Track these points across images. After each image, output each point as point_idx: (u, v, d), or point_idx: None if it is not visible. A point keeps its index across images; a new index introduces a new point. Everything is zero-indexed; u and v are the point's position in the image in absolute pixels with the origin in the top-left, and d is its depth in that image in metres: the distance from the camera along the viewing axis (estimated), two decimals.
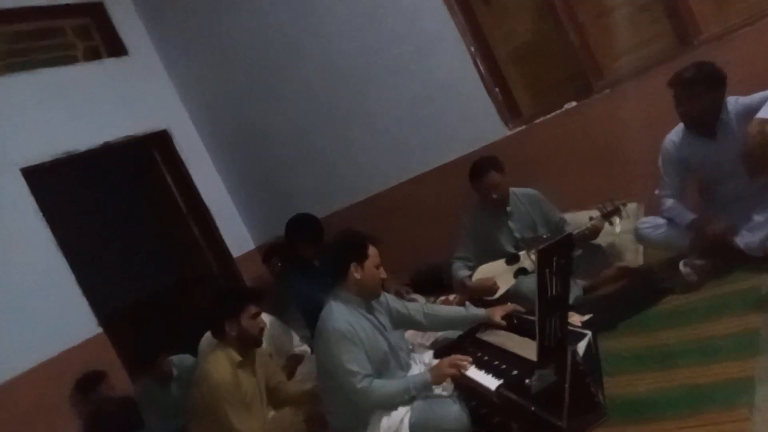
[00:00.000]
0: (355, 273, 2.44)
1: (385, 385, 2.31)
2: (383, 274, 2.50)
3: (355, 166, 4.66)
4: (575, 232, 3.08)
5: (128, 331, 4.83)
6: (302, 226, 3.79)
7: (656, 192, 2.97)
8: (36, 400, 3.84)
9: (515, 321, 2.55)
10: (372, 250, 2.49)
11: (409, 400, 2.30)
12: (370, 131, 4.47)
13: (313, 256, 3.69)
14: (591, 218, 3.11)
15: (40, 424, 3.83)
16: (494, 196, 3.24)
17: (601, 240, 3.23)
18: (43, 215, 4.30)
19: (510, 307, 2.63)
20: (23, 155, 4.32)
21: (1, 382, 3.78)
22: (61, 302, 4.18)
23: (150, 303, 5.81)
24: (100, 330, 4.31)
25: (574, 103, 3.66)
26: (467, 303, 3.09)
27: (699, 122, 2.74)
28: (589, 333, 2.11)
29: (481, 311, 2.67)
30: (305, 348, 3.65)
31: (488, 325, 2.61)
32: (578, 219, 3.40)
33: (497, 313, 2.58)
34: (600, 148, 3.58)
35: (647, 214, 3.22)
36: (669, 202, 2.90)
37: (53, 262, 4.24)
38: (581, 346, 2.06)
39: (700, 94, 2.65)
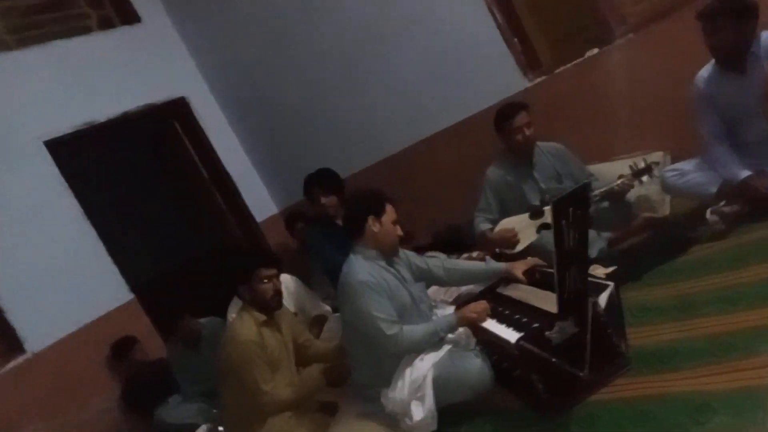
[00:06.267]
0: (373, 226, 2.48)
1: (414, 330, 2.36)
2: (400, 232, 2.54)
3: (373, 125, 4.61)
4: (603, 189, 3.02)
5: (159, 297, 4.95)
6: (317, 176, 3.74)
7: (702, 138, 2.80)
8: (73, 366, 4.01)
9: (537, 275, 2.52)
10: (389, 207, 2.52)
11: (437, 342, 2.35)
12: (387, 90, 4.40)
13: (335, 214, 3.68)
14: (621, 176, 3.02)
15: (78, 390, 4.00)
16: (527, 133, 3.15)
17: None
18: (69, 187, 4.39)
19: (531, 261, 2.62)
20: (44, 128, 4.38)
21: (38, 350, 3.94)
22: (93, 271, 4.31)
23: (178, 270, 5.93)
24: (131, 296, 4.44)
25: (596, 51, 3.53)
26: (488, 258, 3.08)
27: (729, 55, 2.62)
28: (611, 284, 2.08)
29: (501, 265, 2.67)
30: (327, 308, 3.70)
31: (509, 280, 2.60)
32: (605, 171, 3.32)
33: (518, 268, 2.56)
34: (624, 96, 3.46)
35: (674, 161, 3.13)
36: (718, 151, 2.73)
37: (82, 232, 4.35)
38: (603, 298, 2.04)
39: (729, 25, 2.52)
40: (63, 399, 3.92)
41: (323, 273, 3.76)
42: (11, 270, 3.97)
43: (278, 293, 2.82)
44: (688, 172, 2.85)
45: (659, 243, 2.85)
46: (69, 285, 4.15)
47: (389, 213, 2.51)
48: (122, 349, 4.11)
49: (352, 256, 2.49)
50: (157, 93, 5.06)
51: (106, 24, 5.06)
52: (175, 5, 5.30)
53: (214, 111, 5.42)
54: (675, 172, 2.91)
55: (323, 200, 3.61)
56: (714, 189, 2.73)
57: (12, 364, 3.86)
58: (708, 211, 2.68)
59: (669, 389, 1.82)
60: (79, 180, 4.50)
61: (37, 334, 3.96)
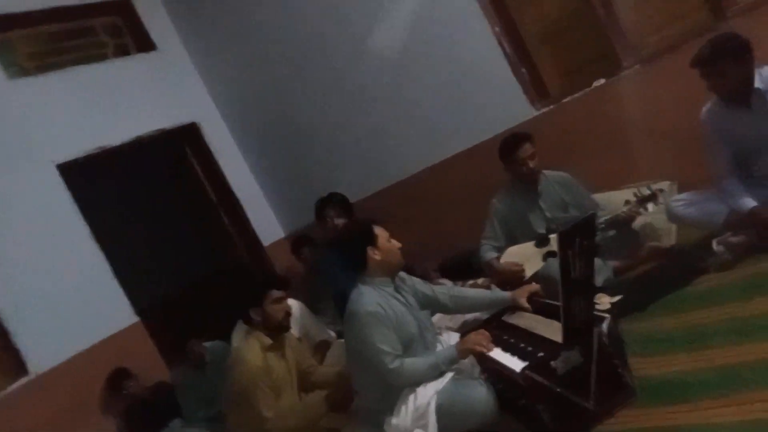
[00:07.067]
0: (375, 255, 2.47)
1: (415, 363, 2.33)
2: (398, 244, 2.54)
3: (382, 151, 4.65)
4: (608, 217, 3.01)
5: (164, 320, 4.95)
6: (330, 199, 3.82)
7: (711, 170, 2.79)
8: (76, 388, 3.99)
9: (540, 303, 2.51)
10: (377, 229, 2.52)
11: (438, 375, 2.32)
12: (397, 116, 4.45)
13: None
14: (627, 202, 3.02)
15: (81, 411, 3.98)
16: (531, 165, 3.14)
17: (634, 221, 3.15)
18: (79, 210, 4.44)
19: (534, 286, 2.60)
20: (58, 152, 4.47)
21: (41, 372, 3.94)
22: (99, 293, 4.33)
23: (185, 293, 5.93)
24: (137, 319, 4.44)
25: (603, 81, 3.57)
26: (493, 286, 3.06)
27: (733, 94, 2.63)
28: (608, 316, 2.06)
29: (506, 294, 2.65)
30: (332, 334, 3.69)
31: (515, 308, 2.59)
32: (611, 200, 3.31)
33: (522, 296, 2.55)
34: (631, 126, 3.49)
35: (681, 191, 3.13)
36: (727, 182, 2.72)
37: (90, 255, 4.39)
38: (603, 329, 2.02)
39: (726, 68, 2.53)
40: (66, 420, 3.89)
41: (331, 297, 3.77)
42: (17, 291, 3.99)
43: (288, 314, 2.85)
44: (696, 202, 2.85)
45: (666, 273, 2.83)
46: (74, 307, 4.17)
47: (381, 235, 2.51)
48: (114, 381, 4.06)
49: (360, 286, 2.48)
50: (170, 118, 5.15)
51: (122, 52, 5.19)
52: (190, 34, 5.43)
53: (224, 137, 5.50)
54: (682, 202, 2.90)
55: (336, 222, 3.66)
56: (721, 219, 2.72)
57: (15, 385, 3.86)
58: (714, 242, 2.66)
59: (677, 422, 1.79)
60: (90, 203, 4.55)
61: (41, 355, 3.96)
